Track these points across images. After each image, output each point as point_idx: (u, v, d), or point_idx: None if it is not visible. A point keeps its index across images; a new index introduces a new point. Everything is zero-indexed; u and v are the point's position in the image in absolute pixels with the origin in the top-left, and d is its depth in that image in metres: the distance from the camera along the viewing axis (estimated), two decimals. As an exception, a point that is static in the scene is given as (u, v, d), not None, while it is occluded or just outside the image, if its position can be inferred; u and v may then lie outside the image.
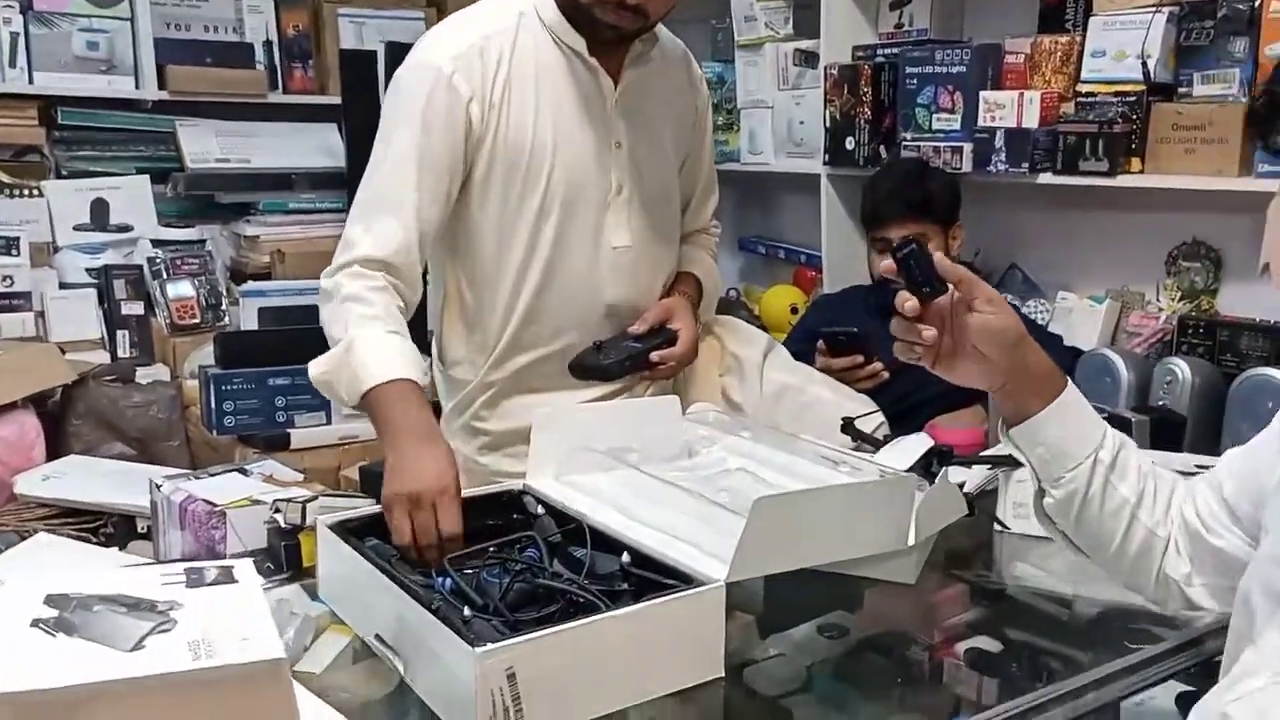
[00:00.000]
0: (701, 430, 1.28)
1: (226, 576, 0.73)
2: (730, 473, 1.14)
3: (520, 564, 0.93)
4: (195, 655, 0.61)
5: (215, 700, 0.60)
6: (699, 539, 0.96)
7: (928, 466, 1.27)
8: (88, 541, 1.77)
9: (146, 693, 0.58)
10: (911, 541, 1.01)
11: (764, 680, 1.29)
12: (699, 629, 0.87)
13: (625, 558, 0.93)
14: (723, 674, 0.89)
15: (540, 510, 1.07)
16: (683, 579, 0.90)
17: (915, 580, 1.12)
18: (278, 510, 1.48)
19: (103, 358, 2.40)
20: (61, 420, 2.10)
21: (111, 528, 1.82)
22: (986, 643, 1.22)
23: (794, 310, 2.40)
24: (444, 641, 0.80)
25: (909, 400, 1.81)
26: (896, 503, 0.99)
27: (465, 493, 1.09)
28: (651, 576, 0.91)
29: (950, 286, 0.87)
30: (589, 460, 1.16)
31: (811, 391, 1.50)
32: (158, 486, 1.57)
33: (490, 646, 0.77)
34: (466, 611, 0.84)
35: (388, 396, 1.15)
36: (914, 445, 1.28)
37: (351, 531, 1.02)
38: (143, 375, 2.31)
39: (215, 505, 1.48)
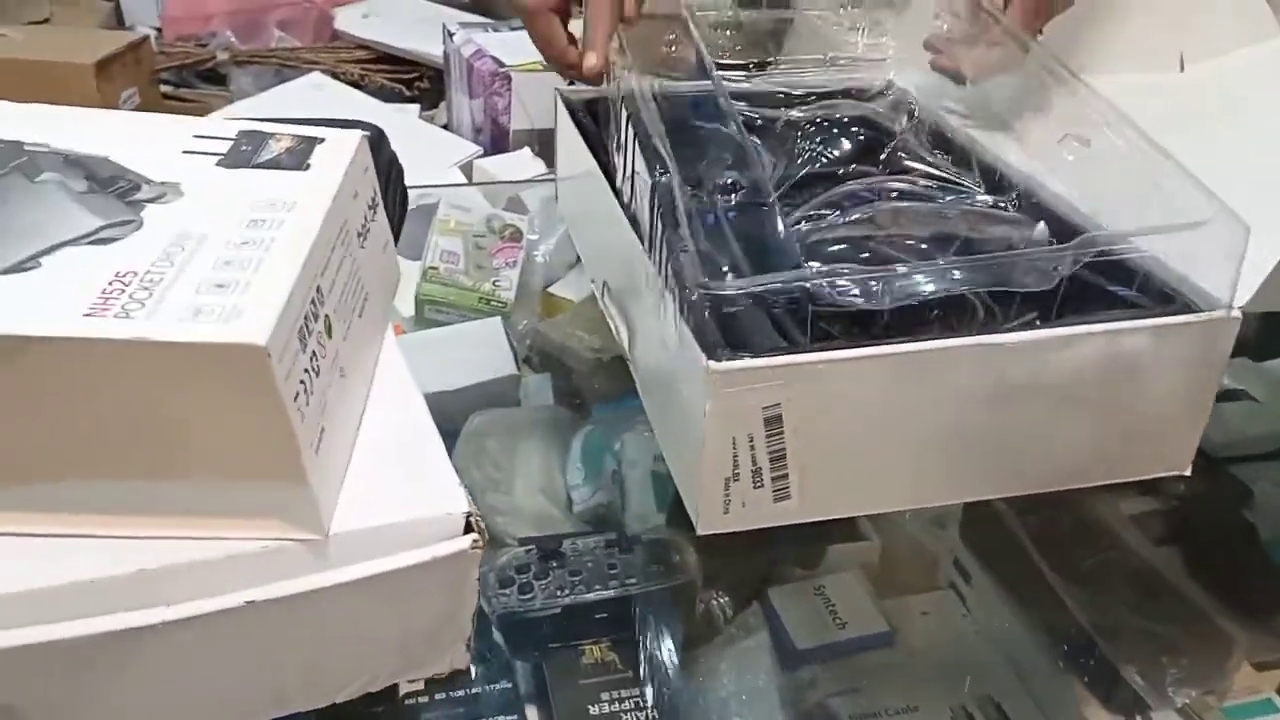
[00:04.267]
0: None
1: (297, 158, 0.41)
2: (1247, 98, 0.63)
3: (864, 202, 0.52)
4: (103, 304, 0.30)
5: (114, 385, 0.30)
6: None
7: None
8: (400, 94, 1.58)
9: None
10: None
11: (1210, 430, 0.85)
12: (1167, 392, 0.45)
13: (1041, 229, 0.50)
14: (1188, 470, 0.47)
15: (901, 121, 0.64)
16: (1144, 286, 0.46)
17: None
18: (572, 81, 1.16)
19: None
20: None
21: (427, 82, 1.62)
22: None
23: None
24: (671, 331, 0.44)
25: None
26: None
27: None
28: (1089, 278, 0.48)
29: None
30: None
31: None
32: (450, 35, 1.30)
33: (741, 364, 0.40)
34: (730, 279, 0.47)
35: None
36: None
37: (603, 116, 0.66)
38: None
39: (502, 65, 1.18)
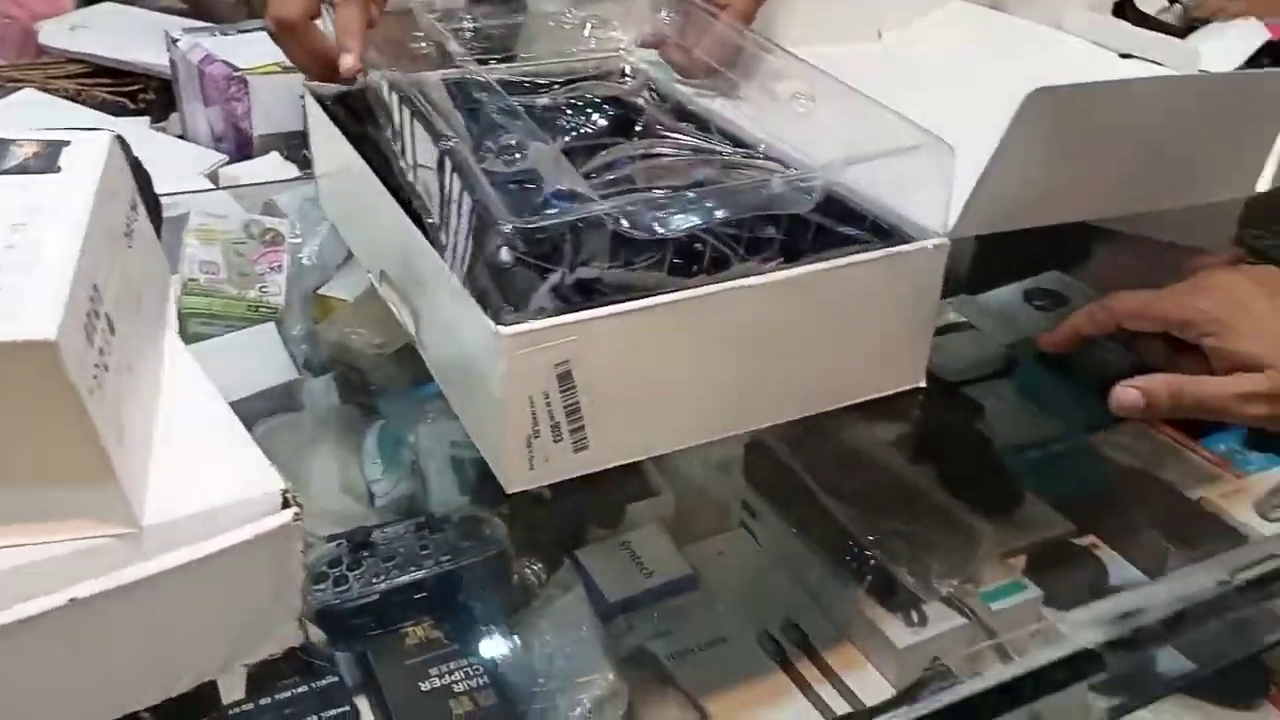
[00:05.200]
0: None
1: (46, 162, 0.39)
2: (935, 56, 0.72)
3: (610, 168, 0.56)
4: None
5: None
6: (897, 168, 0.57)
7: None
8: (124, 108, 1.48)
9: None
10: (1267, 185, 0.60)
11: (942, 358, 0.96)
12: (896, 314, 0.51)
13: (777, 184, 0.56)
14: (923, 383, 0.54)
15: (645, 97, 0.68)
16: (873, 228, 0.52)
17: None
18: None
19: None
20: (101, -39, 1.74)
21: (152, 94, 1.53)
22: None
23: None
24: (457, 305, 0.46)
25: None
26: (1261, 118, 0.57)
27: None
28: (817, 219, 0.54)
29: None
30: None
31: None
32: (174, 41, 1.23)
33: (529, 326, 0.43)
34: (504, 254, 0.49)
35: None
36: (1240, 36, 0.81)
37: (356, 108, 0.66)
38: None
39: (236, 69, 1.14)
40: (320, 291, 0.87)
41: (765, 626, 0.68)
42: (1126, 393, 0.55)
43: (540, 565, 0.64)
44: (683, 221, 0.45)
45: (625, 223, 0.45)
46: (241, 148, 1.13)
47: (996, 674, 0.41)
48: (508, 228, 0.45)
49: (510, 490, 0.46)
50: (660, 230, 0.45)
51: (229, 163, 1.08)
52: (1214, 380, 0.53)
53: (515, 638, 0.60)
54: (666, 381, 0.47)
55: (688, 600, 0.69)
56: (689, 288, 0.46)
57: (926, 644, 0.65)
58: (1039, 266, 1.03)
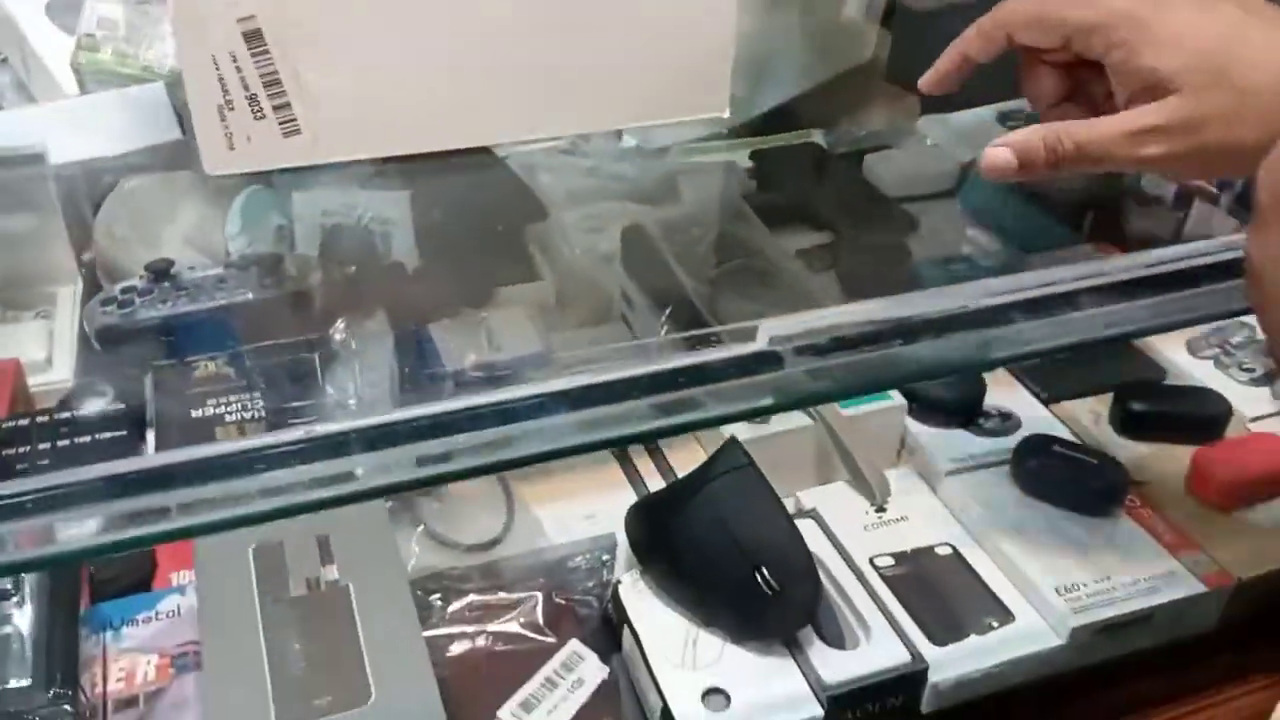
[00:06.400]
0: None
1: None
2: None
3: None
4: None
5: None
6: None
7: None
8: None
9: None
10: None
11: (888, 171, 0.88)
12: (684, 22, 0.45)
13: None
14: (726, 112, 0.48)
15: None
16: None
17: None
18: None
19: None
20: None
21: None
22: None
23: None
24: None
25: None
26: None
27: None
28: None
29: None
30: None
31: None
32: None
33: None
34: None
35: None
36: None
37: None
38: None
39: None
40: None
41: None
42: (997, 153, 0.42)
43: (357, 321, 0.61)
44: None
45: None
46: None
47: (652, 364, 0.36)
48: None
49: (210, 172, 0.42)
50: None
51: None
52: (1102, 120, 0.40)
53: (310, 381, 0.57)
54: (395, 65, 0.42)
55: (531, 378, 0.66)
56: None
57: (766, 439, 0.60)
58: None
